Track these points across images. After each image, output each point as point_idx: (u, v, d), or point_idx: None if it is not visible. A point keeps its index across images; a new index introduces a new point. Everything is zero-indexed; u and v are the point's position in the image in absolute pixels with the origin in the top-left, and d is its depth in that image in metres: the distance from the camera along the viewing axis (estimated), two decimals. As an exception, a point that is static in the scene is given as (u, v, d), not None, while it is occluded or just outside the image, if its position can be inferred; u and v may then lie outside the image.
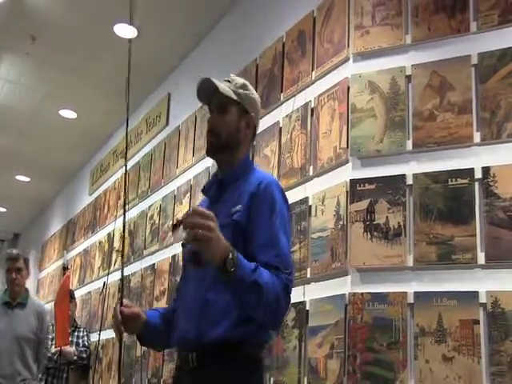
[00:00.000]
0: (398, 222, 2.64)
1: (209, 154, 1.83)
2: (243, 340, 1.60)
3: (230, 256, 1.48)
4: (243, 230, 1.66)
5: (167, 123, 5.31)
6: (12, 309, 4.04)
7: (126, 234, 5.72)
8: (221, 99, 1.79)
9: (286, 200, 1.76)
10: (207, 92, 1.81)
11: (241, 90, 1.81)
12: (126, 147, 2.75)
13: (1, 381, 3.84)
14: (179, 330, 1.71)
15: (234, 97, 1.79)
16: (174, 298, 1.94)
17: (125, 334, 1.77)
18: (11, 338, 3.94)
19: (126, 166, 2.15)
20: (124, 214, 2.05)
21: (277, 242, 1.63)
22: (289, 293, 1.59)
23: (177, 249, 4.35)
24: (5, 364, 3.89)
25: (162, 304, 4.53)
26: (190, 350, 1.64)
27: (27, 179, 8.60)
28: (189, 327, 1.65)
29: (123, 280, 1.92)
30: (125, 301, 1.76)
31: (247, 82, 1.86)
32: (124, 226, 2.13)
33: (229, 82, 1.83)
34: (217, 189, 1.82)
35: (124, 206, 2.22)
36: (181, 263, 2.29)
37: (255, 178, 1.76)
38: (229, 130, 1.78)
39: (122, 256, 1.84)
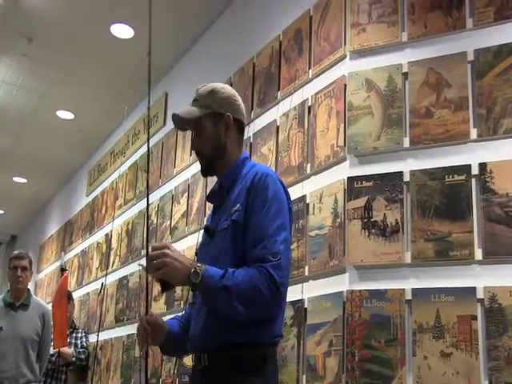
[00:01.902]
0: (396, 219, 2.64)
1: (203, 175, 1.90)
2: (253, 340, 1.61)
3: (193, 270, 1.54)
4: (242, 229, 1.67)
5: (164, 123, 5.30)
6: (15, 310, 4.02)
7: (124, 234, 5.73)
8: (194, 121, 1.82)
9: (283, 186, 1.75)
10: (180, 123, 1.86)
11: (208, 101, 1.82)
12: (149, 122, 2.68)
13: (5, 382, 3.82)
14: (191, 332, 1.74)
15: (202, 112, 1.80)
16: (190, 302, 1.96)
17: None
18: (16, 340, 3.92)
19: (148, 141, 2.09)
20: (147, 191, 2.04)
21: (264, 232, 1.62)
22: (272, 279, 1.55)
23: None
24: (10, 366, 3.86)
25: (160, 304, 4.53)
26: (201, 351, 1.67)
27: (24, 180, 8.59)
28: (197, 330, 1.69)
29: (147, 288, 1.92)
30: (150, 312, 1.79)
31: (215, 86, 1.85)
32: (148, 207, 2.01)
33: (197, 99, 1.84)
34: (218, 194, 1.85)
35: (147, 187, 2.18)
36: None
37: (251, 172, 1.76)
38: (210, 144, 1.82)
39: (147, 254, 1.81)
